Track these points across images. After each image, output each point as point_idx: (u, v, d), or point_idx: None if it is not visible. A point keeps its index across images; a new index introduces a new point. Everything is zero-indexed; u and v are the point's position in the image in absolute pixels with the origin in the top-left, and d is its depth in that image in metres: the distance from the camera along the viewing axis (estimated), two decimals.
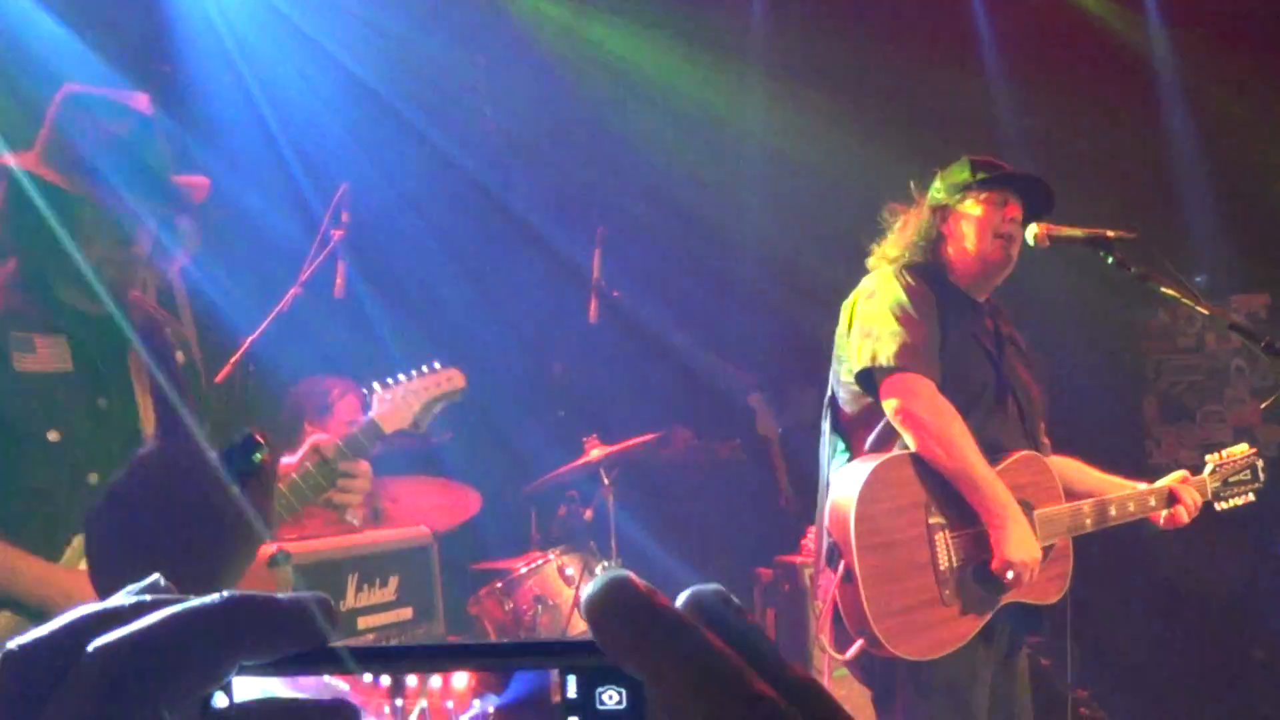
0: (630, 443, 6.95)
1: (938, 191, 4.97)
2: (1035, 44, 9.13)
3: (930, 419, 4.59)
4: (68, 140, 3.61)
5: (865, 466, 4.60)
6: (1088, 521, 4.88)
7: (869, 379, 4.72)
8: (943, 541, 4.59)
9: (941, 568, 4.57)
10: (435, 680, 0.67)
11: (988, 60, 9.21)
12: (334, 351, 6.67)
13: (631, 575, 0.64)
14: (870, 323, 4.75)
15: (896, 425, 4.66)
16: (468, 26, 8.26)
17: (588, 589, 0.64)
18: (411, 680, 0.67)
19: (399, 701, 0.62)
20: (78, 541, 3.56)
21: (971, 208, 4.90)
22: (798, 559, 7.22)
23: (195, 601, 0.63)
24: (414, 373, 4.35)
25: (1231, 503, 5.22)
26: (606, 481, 6.96)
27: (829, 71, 8.90)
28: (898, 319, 4.71)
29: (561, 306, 7.87)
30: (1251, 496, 5.27)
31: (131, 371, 3.81)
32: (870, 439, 4.77)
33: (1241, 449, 5.30)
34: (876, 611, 4.45)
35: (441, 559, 6.68)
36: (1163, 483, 5.10)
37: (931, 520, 4.59)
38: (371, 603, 5.98)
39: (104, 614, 0.63)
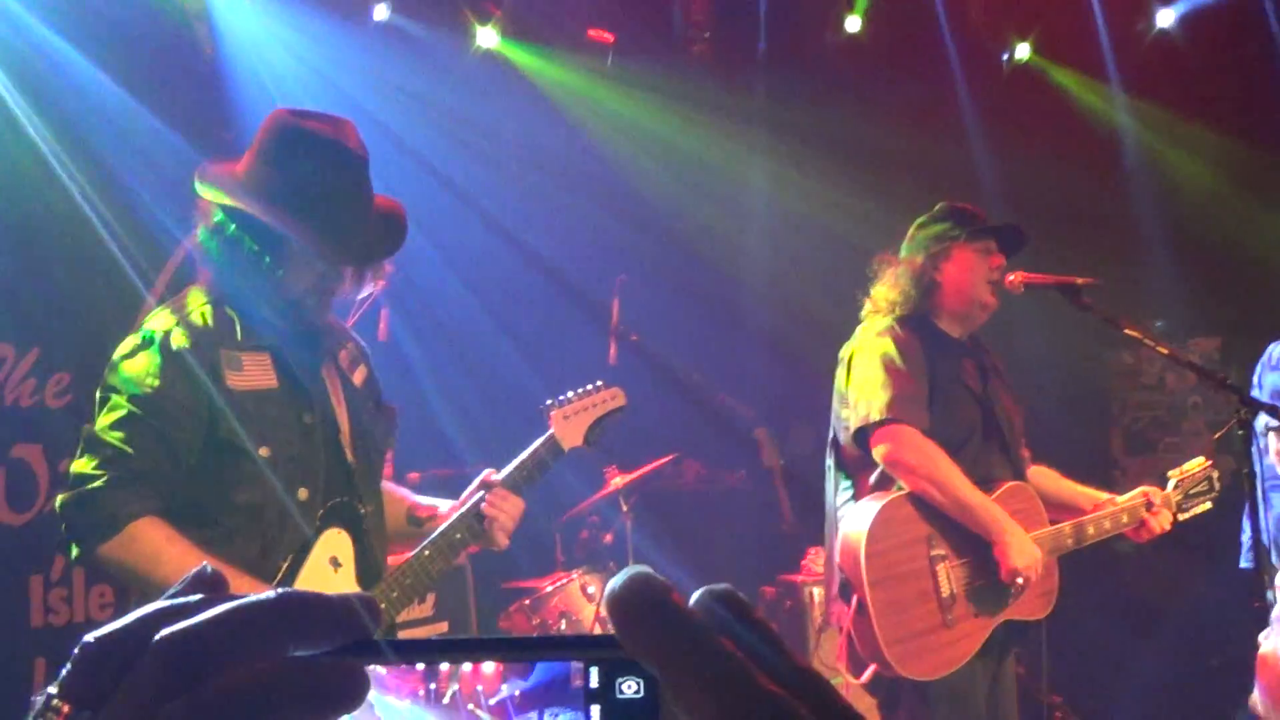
0: (647, 467, 6.95)
1: (927, 241, 4.96)
2: (1011, 111, 9.17)
3: (917, 462, 4.58)
4: (278, 174, 3.44)
5: (872, 507, 4.60)
6: (1069, 542, 4.86)
7: (863, 434, 4.71)
8: (944, 571, 4.59)
9: (944, 595, 4.57)
10: (466, 666, 0.66)
11: (969, 125, 9.25)
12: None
13: (651, 572, 0.63)
14: (863, 383, 4.74)
15: (888, 471, 4.66)
16: (500, 96, 8.30)
17: (611, 584, 0.63)
18: (444, 665, 0.67)
19: (432, 685, 0.62)
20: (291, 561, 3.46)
21: (962, 255, 4.89)
22: (798, 578, 7.20)
23: (252, 597, 0.62)
24: (581, 390, 4.12)
25: (1192, 511, 5.17)
26: (625, 508, 6.93)
27: (825, 134, 8.92)
28: (887, 372, 4.69)
29: (584, 349, 7.88)
30: (1209, 504, 5.22)
31: (328, 386, 3.67)
32: (874, 476, 4.76)
33: (1199, 462, 5.26)
34: (887, 639, 4.47)
35: (475, 578, 6.69)
36: (1130, 499, 5.07)
37: (933, 553, 4.60)
38: (411, 618, 5.97)
39: (171, 609, 0.63)
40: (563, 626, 6.25)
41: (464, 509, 3.79)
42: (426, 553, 3.70)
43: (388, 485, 4.02)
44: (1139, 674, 8.04)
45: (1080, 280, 4.90)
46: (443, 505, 3.93)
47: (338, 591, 0.64)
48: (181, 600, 0.64)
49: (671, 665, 0.61)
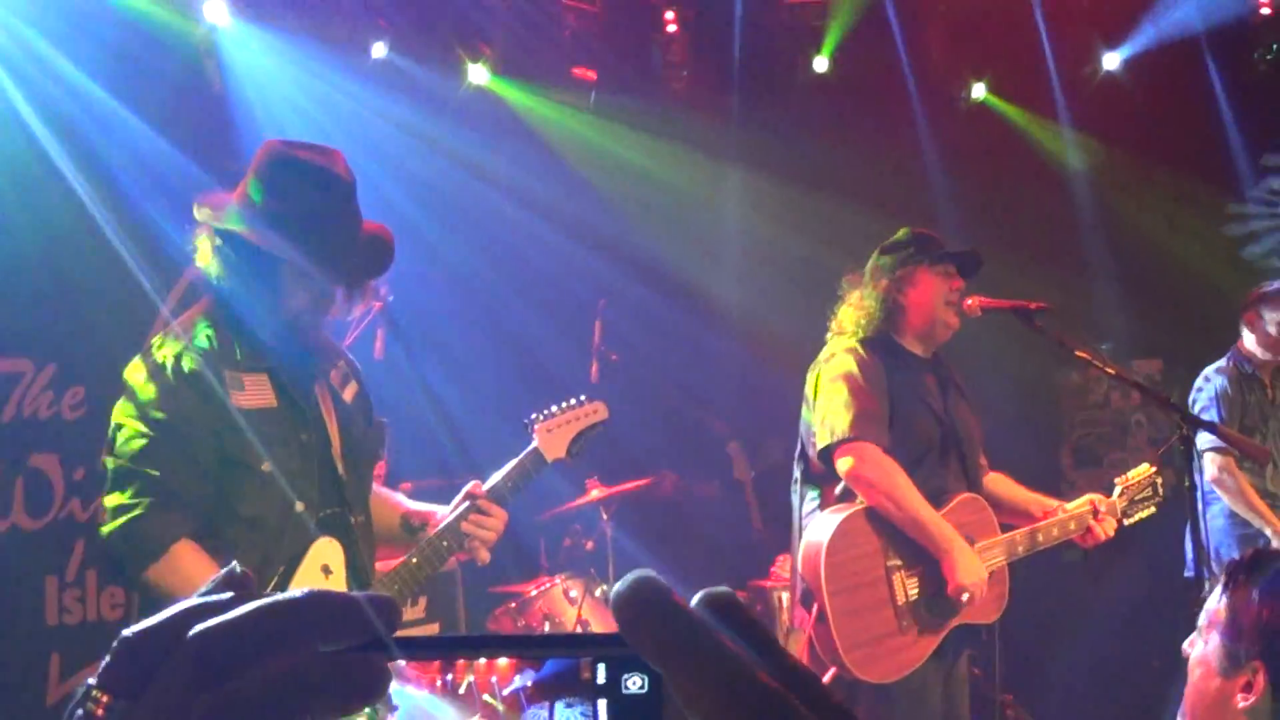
0: (625, 486, 6.96)
1: (893, 265, 4.95)
2: (968, 146, 9.20)
3: (877, 478, 4.59)
4: (271, 200, 3.44)
5: (833, 519, 4.60)
6: (1020, 549, 4.88)
7: (828, 450, 4.72)
8: (899, 580, 4.60)
9: (899, 603, 4.59)
10: (480, 659, 0.67)
11: (928, 158, 9.27)
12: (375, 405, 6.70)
13: (654, 576, 0.64)
14: (829, 402, 4.74)
15: (850, 485, 4.66)
16: (490, 129, 8.31)
17: (617, 586, 0.63)
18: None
19: (449, 676, 0.63)
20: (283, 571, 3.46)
21: (925, 279, 4.91)
22: (767, 583, 7.19)
23: (281, 595, 0.63)
24: (564, 405, 4.10)
25: (1137, 517, 5.17)
26: (605, 516, 6.93)
27: (795, 165, 8.96)
28: (850, 392, 4.70)
29: (567, 368, 7.87)
30: (1153, 509, 5.22)
31: (320, 403, 3.67)
32: (839, 489, 4.76)
33: (1143, 469, 5.27)
34: (846, 644, 4.47)
35: (464, 583, 6.67)
36: (1077, 506, 5.07)
37: (889, 563, 4.61)
38: (404, 619, 5.95)
39: (203, 606, 0.64)
40: (546, 628, 6.24)
41: (450, 519, 3.78)
42: (414, 560, 3.70)
43: (382, 492, 4.02)
44: (1085, 674, 8.06)
45: (1034, 305, 4.92)
46: (438, 511, 3.92)
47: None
48: (214, 598, 0.65)
49: (674, 661, 0.62)
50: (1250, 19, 8.99)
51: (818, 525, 4.67)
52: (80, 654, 5.81)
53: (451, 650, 0.68)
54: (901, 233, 5.05)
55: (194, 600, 0.65)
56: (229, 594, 0.66)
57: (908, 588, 4.61)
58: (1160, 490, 5.25)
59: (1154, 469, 5.28)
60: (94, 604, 5.88)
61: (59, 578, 5.82)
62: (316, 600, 0.63)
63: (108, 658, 0.63)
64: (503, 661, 0.66)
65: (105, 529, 3.35)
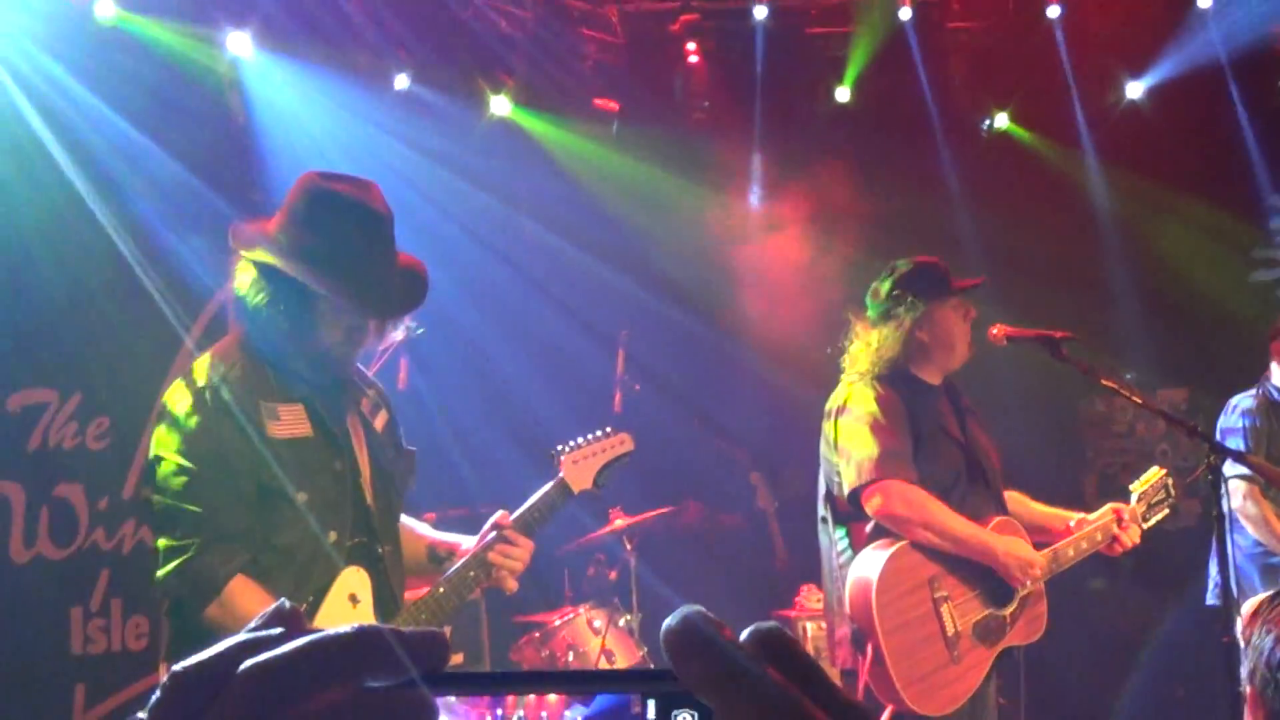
0: (649, 514, 6.94)
1: (910, 302, 4.89)
2: (991, 175, 9.20)
3: (907, 511, 4.59)
4: (308, 234, 3.45)
5: (878, 557, 4.61)
6: (1052, 566, 4.86)
7: (855, 494, 4.70)
8: (947, 612, 4.62)
9: (949, 634, 4.60)
10: (530, 695, 0.67)
11: (951, 188, 9.27)
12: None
13: (704, 612, 0.64)
14: (851, 445, 4.73)
15: (882, 524, 4.66)
16: (512, 159, 8.35)
17: (666, 623, 0.63)
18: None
19: (499, 711, 0.63)
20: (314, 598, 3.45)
21: (942, 315, 4.88)
22: (792, 613, 7.18)
23: (330, 631, 0.63)
24: (591, 436, 4.09)
25: (1154, 520, 5.14)
26: (629, 546, 6.92)
27: (815, 196, 8.97)
28: (872, 431, 4.69)
29: (590, 398, 7.88)
30: (1169, 510, 5.20)
31: (351, 432, 3.67)
32: (869, 526, 4.74)
33: (1154, 472, 5.23)
34: (904, 681, 4.49)
35: (487, 612, 6.67)
36: (1100, 516, 5.03)
37: (936, 595, 4.62)
38: None
39: (254, 641, 0.64)
40: (570, 659, 6.23)
41: (477, 549, 3.78)
42: (441, 590, 3.69)
43: (409, 522, 4.01)
44: (1109, 704, 8.02)
45: (1059, 334, 4.90)
46: (464, 542, 3.91)
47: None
48: (264, 633, 0.65)
49: (725, 696, 0.62)
50: (1274, 46, 8.99)
51: (863, 564, 4.66)
52: (105, 684, 5.83)
53: (501, 686, 0.68)
54: (906, 265, 5.00)
55: (244, 636, 0.65)
56: (279, 629, 0.66)
57: (955, 618, 4.62)
58: (1173, 491, 5.22)
59: (1164, 470, 5.25)
60: (119, 634, 5.90)
61: (84, 607, 5.85)
62: (365, 636, 0.63)
63: (157, 693, 0.63)
64: (552, 697, 0.66)
65: (159, 573, 3.35)
